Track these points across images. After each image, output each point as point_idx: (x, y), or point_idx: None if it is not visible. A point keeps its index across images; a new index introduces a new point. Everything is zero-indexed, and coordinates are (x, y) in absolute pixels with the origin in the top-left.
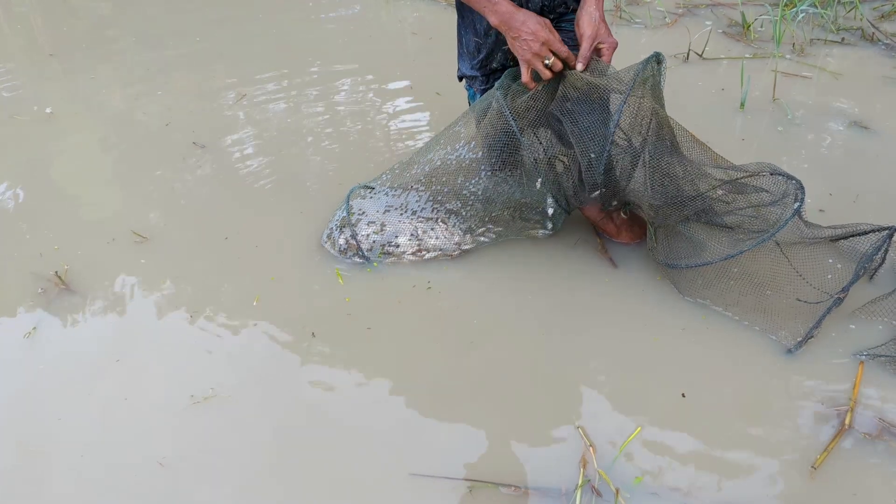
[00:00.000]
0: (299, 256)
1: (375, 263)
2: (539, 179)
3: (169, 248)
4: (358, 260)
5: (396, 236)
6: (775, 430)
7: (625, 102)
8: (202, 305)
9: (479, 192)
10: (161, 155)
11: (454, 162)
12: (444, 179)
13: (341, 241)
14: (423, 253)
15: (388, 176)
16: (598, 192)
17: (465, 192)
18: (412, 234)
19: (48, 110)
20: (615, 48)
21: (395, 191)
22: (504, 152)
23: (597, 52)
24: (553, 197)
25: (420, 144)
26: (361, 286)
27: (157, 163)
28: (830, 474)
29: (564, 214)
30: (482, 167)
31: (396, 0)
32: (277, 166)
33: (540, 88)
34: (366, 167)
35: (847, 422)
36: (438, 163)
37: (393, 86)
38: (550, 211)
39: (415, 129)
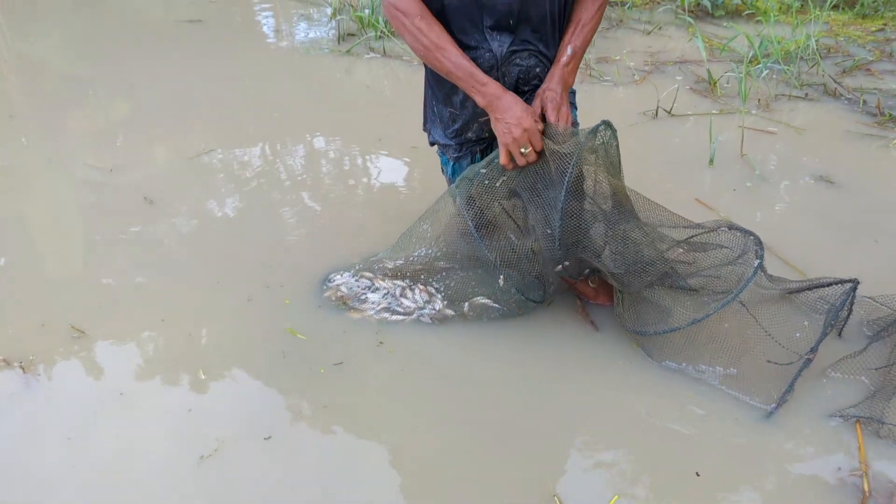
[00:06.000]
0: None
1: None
2: (501, 276)
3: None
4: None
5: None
6: (768, 500)
7: (571, 172)
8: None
9: (451, 287)
10: (110, 210)
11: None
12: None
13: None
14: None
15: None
16: (560, 266)
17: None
18: (387, 292)
19: None
20: (568, 120)
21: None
22: (465, 251)
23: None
24: (518, 290)
25: (402, 198)
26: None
27: (104, 219)
28: None
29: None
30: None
31: (363, 58)
32: (236, 230)
33: (514, 172)
34: (338, 233)
35: (866, 489)
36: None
37: (366, 141)
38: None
39: (393, 185)
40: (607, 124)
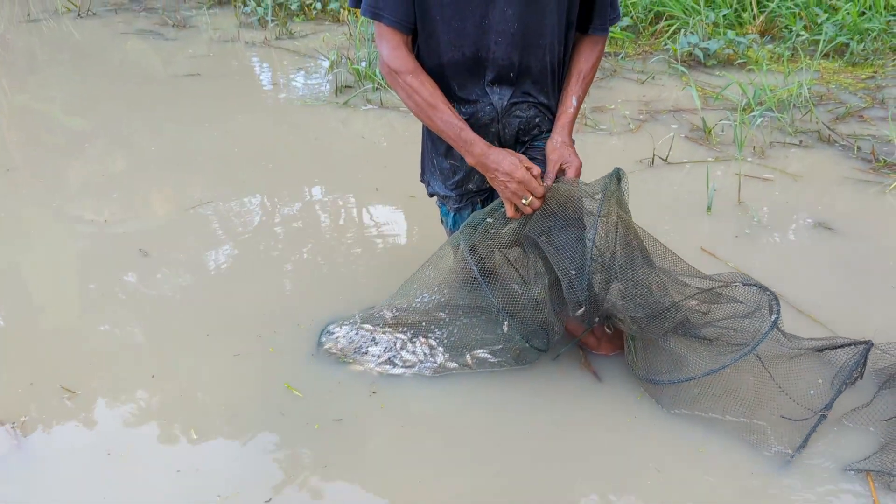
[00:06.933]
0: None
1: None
2: (505, 322)
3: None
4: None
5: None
6: None
7: (599, 215)
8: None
9: (454, 333)
10: (104, 263)
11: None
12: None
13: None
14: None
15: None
16: (582, 310)
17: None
18: (388, 345)
19: None
20: (579, 168)
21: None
22: (468, 301)
23: (561, 171)
24: (523, 337)
25: (400, 248)
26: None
27: (97, 272)
28: None
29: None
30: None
31: (360, 109)
32: (232, 282)
33: (513, 223)
34: (335, 284)
35: None
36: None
37: (363, 191)
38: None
39: (390, 235)
40: (621, 172)
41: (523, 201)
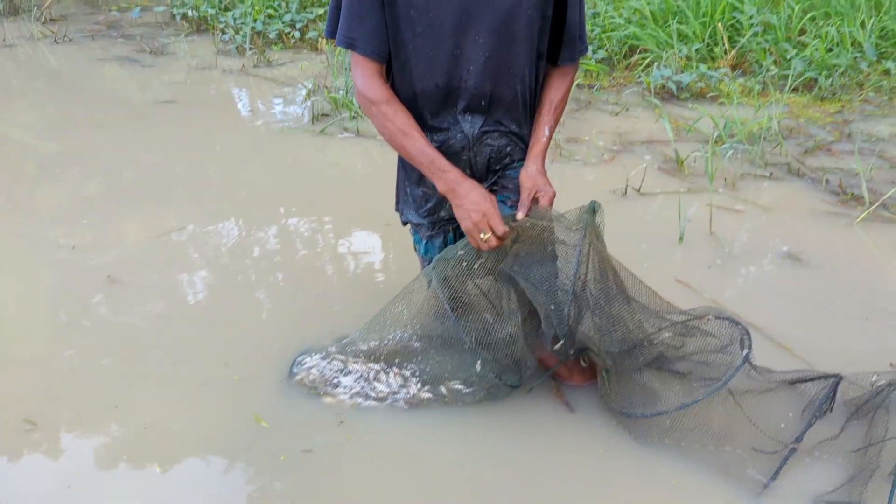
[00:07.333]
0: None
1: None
2: (478, 361)
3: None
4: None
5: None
6: None
7: (580, 250)
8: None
9: (429, 365)
10: (72, 290)
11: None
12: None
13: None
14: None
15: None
16: (560, 344)
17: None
18: (360, 376)
19: None
20: (553, 197)
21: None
22: (441, 333)
23: (535, 201)
24: (496, 375)
25: (374, 276)
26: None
27: (64, 299)
28: None
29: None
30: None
31: (336, 137)
32: (201, 310)
33: (484, 258)
34: (308, 313)
35: None
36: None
37: (338, 219)
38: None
39: (365, 263)
40: (597, 204)
41: (482, 236)
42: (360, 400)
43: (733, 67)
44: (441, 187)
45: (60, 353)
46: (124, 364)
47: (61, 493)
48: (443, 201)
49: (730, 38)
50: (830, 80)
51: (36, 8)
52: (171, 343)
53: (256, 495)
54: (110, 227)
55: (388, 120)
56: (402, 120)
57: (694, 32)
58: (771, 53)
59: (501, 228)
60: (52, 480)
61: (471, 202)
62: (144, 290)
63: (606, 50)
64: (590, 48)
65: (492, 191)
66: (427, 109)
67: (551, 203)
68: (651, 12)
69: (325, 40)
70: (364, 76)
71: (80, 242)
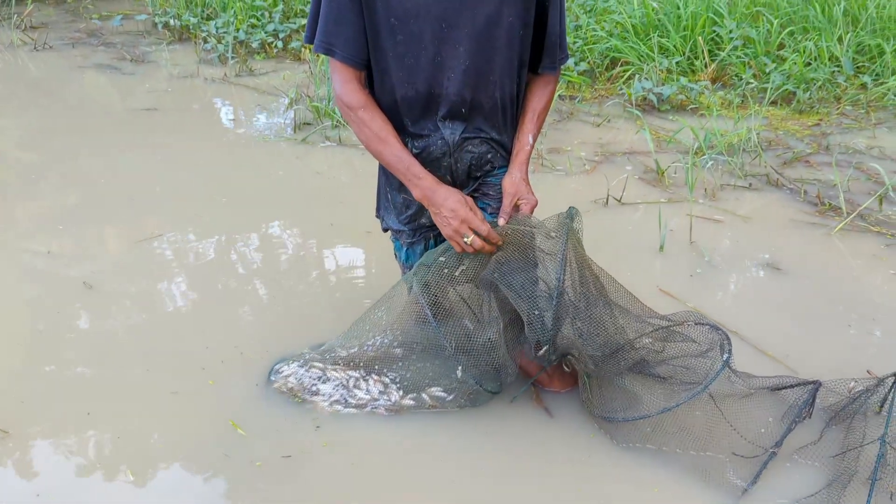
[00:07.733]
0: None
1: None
2: (459, 367)
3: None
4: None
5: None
6: None
7: (563, 256)
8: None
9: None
10: (47, 297)
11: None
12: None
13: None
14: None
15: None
16: (543, 350)
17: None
18: (339, 383)
19: None
20: (535, 205)
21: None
22: (422, 339)
23: (516, 208)
24: (476, 381)
25: (355, 283)
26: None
27: (39, 306)
28: None
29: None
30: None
31: (318, 146)
32: (178, 317)
33: (466, 264)
34: (286, 321)
35: None
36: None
37: (318, 227)
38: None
39: (345, 270)
40: (575, 210)
41: (465, 240)
42: (339, 407)
43: (713, 80)
44: (417, 194)
45: (34, 360)
46: (99, 371)
47: (30, 501)
48: (423, 208)
49: (710, 51)
50: (809, 93)
51: (16, 15)
52: (147, 350)
53: (233, 503)
54: (88, 234)
55: (365, 125)
56: (378, 125)
57: (675, 46)
58: (750, 67)
59: (484, 228)
60: (21, 489)
61: (448, 210)
62: (121, 298)
63: (589, 62)
64: (572, 60)
65: (472, 198)
66: (408, 116)
67: (532, 211)
68: (633, 26)
69: (307, 50)
70: (342, 82)
71: (56, 250)
